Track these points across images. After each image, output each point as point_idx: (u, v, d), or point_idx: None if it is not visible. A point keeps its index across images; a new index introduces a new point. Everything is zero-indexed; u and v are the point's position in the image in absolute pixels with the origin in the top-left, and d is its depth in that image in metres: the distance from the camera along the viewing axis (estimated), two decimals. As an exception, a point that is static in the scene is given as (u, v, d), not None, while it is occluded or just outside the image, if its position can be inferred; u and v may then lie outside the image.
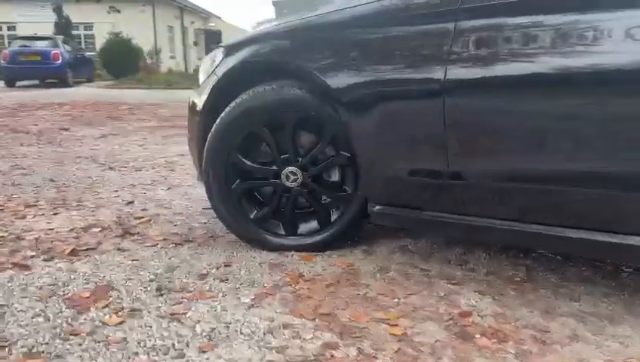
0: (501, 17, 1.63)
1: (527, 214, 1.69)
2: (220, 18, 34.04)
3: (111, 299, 1.83)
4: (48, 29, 19.88)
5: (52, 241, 2.41)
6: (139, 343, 1.52)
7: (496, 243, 2.24)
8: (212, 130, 2.14)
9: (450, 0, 1.71)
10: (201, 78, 2.46)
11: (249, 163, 2.17)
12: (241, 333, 1.60)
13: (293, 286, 1.94)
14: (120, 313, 1.73)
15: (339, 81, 1.91)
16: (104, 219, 2.74)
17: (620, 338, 1.60)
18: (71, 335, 1.57)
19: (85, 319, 1.69)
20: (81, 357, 1.46)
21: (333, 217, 2.21)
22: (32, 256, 2.22)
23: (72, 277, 2.00)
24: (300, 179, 2.14)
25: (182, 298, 1.84)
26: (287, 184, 2.15)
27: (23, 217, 2.77)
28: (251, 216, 2.23)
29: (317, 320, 1.69)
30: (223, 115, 2.12)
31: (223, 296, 1.85)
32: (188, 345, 1.52)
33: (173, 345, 1.52)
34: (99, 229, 2.58)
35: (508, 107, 1.64)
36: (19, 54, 15.59)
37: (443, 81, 1.69)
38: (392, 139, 1.85)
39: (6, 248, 2.29)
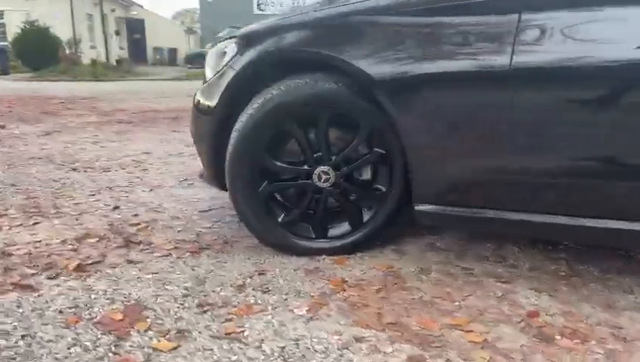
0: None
1: (597, 210, 1.66)
2: (141, 7, 32.70)
3: (149, 320, 1.64)
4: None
5: (47, 256, 2.15)
6: (211, 371, 1.36)
7: (554, 239, 2.19)
8: (237, 129, 1.97)
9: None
10: (209, 73, 2.27)
11: (279, 163, 2.02)
12: (315, 351, 1.48)
13: (341, 293, 1.82)
14: (167, 336, 1.56)
15: (386, 73, 1.80)
16: (95, 228, 2.49)
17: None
18: (128, 367, 1.38)
19: (132, 346, 1.50)
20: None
21: (366, 217, 2.10)
22: (33, 275, 1.97)
23: (92, 296, 1.78)
24: (332, 179, 2.02)
25: (229, 314, 1.68)
26: (319, 184, 2.02)
27: (-1, 229, 2.47)
28: (279, 220, 2.08)
29: (387, 330, 1.59)
30: (251, 112, 1.96)
31: (273, 309, 1.71)
32: (267, 369, 1.38)
33: (250, 370, 1.37)
34: (95, 239, 2.34)
35: (578, 97, 1.59)
36: None
37: (508, 70, 1.62)
38: (450, 134, 1.76)
39: (-3, 266, 2.02)
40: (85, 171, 3.70)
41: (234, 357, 1.44)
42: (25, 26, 18.37)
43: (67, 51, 19.44)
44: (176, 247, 2.25)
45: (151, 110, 7.51)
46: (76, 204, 2.90)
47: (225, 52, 2.19)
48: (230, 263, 2.07)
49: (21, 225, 2.54)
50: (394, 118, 1.81)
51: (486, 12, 1.68)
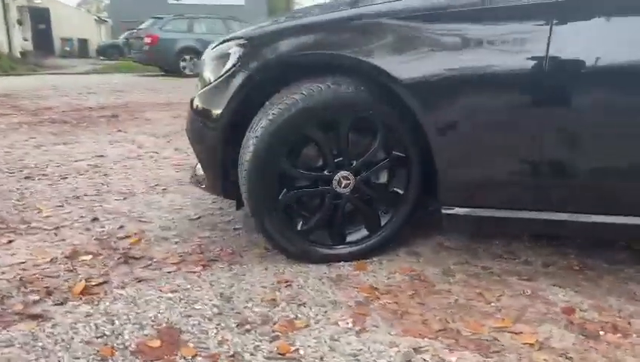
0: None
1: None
2: (46, -5, 30.63)
3: (191, 344, 1.54)
4: None
5: (42, 279, 1.97)
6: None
7: (587, 237, 2.25)
8: (257, 135, 1.89)
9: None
10: (209, 76, 2.15)
11: (300, 170, 1.96)
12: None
13: (377, 301, 1.80)
14: (219, 361, 1.47)
15: (416, 75, 1.79)
16: (81, 243, 2.31)
17: None
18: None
19: (186, 376, 1.40)
20: None
21: (383, 221, 2.08)
22: (37, 302, 1.80)
23: (116, 322, 1.66)
24: (352, 184, 1.98)
25: (273, 331, 1.62)
26: (339, 190, 1.98)
27: (-29, 250, 2.24)
28: (298, 228, 2.02)
29: (440, 337, 1.59)
30: (272, 117, 1.88)
31: (316, 323, 1.66)
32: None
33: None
34: (89, 257, 2.17)
35: (616, 97, 1.65)
36: None
37: (543, 71, 1.65)
38: (481, 136, 1.77)
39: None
40: (41, 179, 3.43)
41: (303, 380, 1.38)
42: None
43: (-35, 42, 17.88)
44: (182, 261, 2.13)
45: (83, 108, 7.08)
46: (46, 217, 2.68)
47: (229, 54, 2.09)
48: (249, 275, 1.99)
49: (-6, 244, 2.31)
50: (422, 120, 1.80)
51: (520, 15, 1.70)
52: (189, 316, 1.70)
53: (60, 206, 2.85)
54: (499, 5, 1.73)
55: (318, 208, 2.03)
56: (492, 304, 1.79)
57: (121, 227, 2.53)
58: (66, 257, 2.17)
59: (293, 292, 1.85)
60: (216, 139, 2.07)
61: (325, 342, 1.56)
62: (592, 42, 1.64)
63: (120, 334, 1.59)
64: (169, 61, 13.08)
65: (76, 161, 3.92)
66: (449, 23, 1.77)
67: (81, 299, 1.82)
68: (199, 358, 1.48)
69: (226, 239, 2.37)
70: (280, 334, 1.60)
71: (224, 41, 2.19)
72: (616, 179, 1.73)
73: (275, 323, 1.66)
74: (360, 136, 2.00)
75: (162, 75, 13.65)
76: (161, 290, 1.87)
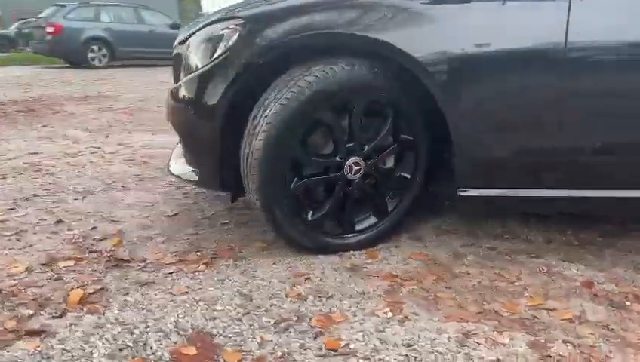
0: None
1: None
2: None
3: (229, 348, 1.42)
4: None
5: (24, 290, 1.75)
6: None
7: (602, 213, 2.29)
8: (269, 121, 1.77)
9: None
10: (196, 62, 2.00)
11: (314, 157, 1.87)
12: (440, 353, 1.40)
13: (403, 288, 1.76)
14: (269, 364, 1.36)
15: (435, 56, 1.74)
16: (54, 249, 2.09)
17: None
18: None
19: (240, 383, 1.28)
20: None
21: (390, 207, 2.04)
22: (31, 316, 1.59)
23: (136, 331, 1.50)
24: (362, 170, 1.92)
25: (312, 327, 1.53)
26: (350, 176, 1.91)
27: None
28: (309, 219, 1.93)
29: (482, 320, 1.57)
30: (284, 102, 1.76)
31: (354, 316, 1.59)
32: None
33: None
34: (71, 263, 1.96)
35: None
36: None
37: (563, 50, 1.67)
38: (502, 117, 1.77)
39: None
40: (-25, 180, 3.06)
41: (369, 375, 1.30)
42: None
43: None
44: (180, 260, 1.97)
45: (-9, 103, 6.45)
46: (1, 221, 2.39)
47: (221, 35, 1.94)
48: (259, 271, 1.88)
49: (-50, 254, 2.02)
50: (441, 101, 1.76)
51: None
52: (214, 318, 1.57)
53: (11, 208, 2.56)
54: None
55: (327, 197, 1.93)
56: (515, 283, 1.79)
57: (94, 228, 2.30)
58: (43, 264, 1.94)
59: (315, 286, 1.76)
60: (214, 130, 1.92)
61: (371, 334, 1.49)
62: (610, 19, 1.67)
63: (145, 344, 1.44)
64: (74, 52, 12.23)
65: (9, 160, 3.54)
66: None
67: (81, 309, 1.62)
68: (246, 363, 1.36)
69: (216, 235, 2.22)
70: (321, 330, 1.51)
71: (211, 23, 2.04)
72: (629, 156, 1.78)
73: (311, 319, 1.56)
74: (368, 119, 1.93)
75: (68, 67, 12.74)
76: (170, 293, 1.72)
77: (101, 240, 2.18)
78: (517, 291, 1.74)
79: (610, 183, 1.80)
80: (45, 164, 3.44)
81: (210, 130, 1.94)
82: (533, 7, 1.72)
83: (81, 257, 2.00)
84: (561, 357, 1.38)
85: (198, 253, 2.03)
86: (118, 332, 1.49)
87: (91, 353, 1.40)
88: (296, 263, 1.93)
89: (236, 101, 1.89)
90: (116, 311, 1.60)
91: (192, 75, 1.99)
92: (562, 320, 1.57)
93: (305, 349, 1.42)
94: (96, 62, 12.32)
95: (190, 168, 2.13)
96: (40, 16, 13.13)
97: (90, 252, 2.05)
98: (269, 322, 1.55)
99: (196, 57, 2.03)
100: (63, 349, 1.42)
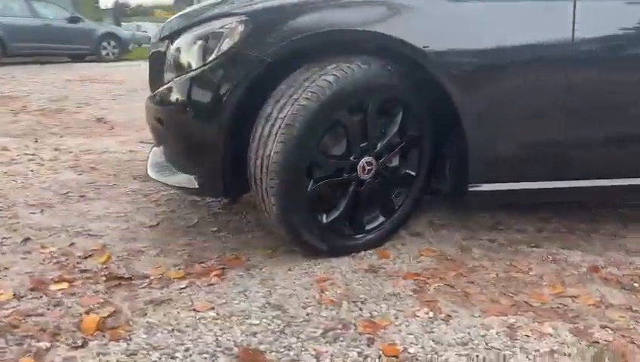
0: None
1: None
2: None
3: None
4: None
5: (22, 320, 1.57)
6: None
7: (604, 200, 2.42)
8: (288, 123, 1.70)
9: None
10: (192, 61, 1.89)
11: (332, 159, 1.82)
12: (497, 349, 1.42)
13: (430, 286, 1.77)
14: (337, 377, 1.31)
15: (451, 53, 1.76)
16: (34, 271, 1.89)
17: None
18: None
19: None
20: None
21: (396, 205, 2.05)
22: (47, 349, 1.43)
23: (178, 355, 1.39)
24: (374, 169, 1.91)
25: (359, 334, 1.50)
26: (363, 176, 1.89)
27: None
28: (324, 221, 1.89)
29: (520, 312, 1.62)
30: (304, 102, 1.70)
31: (396, 318, 1.58)
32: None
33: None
34: (65, 285, 1.78)
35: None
36: None
37: (571, 46, 1.75)
38: (518, 114, 1.82)
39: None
40: None
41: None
42: None
43: None
44: (187, 274, 1.85)
45: None
46: (-46, 243, 2.12)
47: (220, 33, 1.84)
48: (278, 279, 1.81)
49: None
50: (455, 98, 1.79)
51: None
52: (255, 333, 1.49)
53: (-39, 227, 2.27)
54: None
55: (339, 198, 1.89)
56: (530, 273, 1.86)
57: (72, 244, 2.11)
58: (32, 289, 1.74)
59: (343, 291, 1.72)
60: (218, 133, 1.82)
61: (422, 335, 1.48)
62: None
63: (195, 370, 1.33)
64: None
65: None
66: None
67: (103, 336, 1.47)
68: (313, 378, 1.30)
69: (213, 244, 2.11)
70: (371, 336, 1.47)
71: (206, 19, 1.92)
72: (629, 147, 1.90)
73: (356, 325, 1.52)
74: (378, 118, 1.91)
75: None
76: (194, 310, 1.61)
77: (86, 257, 1.99)
78: (534, 281, 1.80)
79: (612, 173, 1.91)
80: (-19, 175, 3.09)
81: (214, 134, 1.84)
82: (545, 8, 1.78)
83: (72, 278, 1.82)
84: (608, 342, 1.44)
85: (203, 265, 1.91)
86: (159, 359, 1.36)
87: (139, 385, 1.27)
88: (312, 268, 1.87)
89: (241, 101, 1.80)
90: (144, 336, 1.47)
91: (189, 74, 1.87)
92: (589, 306, 1.64)
93: (365, 358, 1.38)
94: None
95: (185, 175, 2.00)
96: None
97: (81, 271, 1.87)
98: (315, 332, 1.49)
99: (190, 56, 1.91)
100: (104, 384, 1.27)
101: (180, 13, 2.18)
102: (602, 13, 1.79)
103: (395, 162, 2.01)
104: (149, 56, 2.25)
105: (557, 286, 1.76)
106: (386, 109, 1.88)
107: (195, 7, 2.19)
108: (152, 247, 2.07)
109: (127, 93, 6.90)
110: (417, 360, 1.37)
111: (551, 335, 1.48)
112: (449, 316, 1.57)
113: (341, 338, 1.46)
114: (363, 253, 1.99)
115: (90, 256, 2.00)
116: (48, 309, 1.61)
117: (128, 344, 1.43)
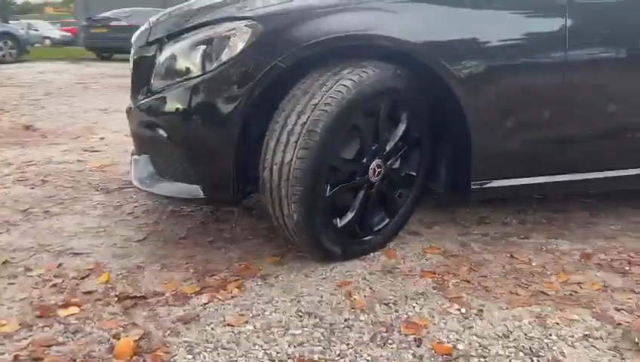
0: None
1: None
2: None
3: (349, 372, 1.36)
4: None
5: (46, 351, 1.45)
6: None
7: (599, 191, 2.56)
8: (310, 129, 1.69)
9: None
10: (194, 67, 1.83)
11: (348, 163, 1.83)
12: (537, 338, 1.51)
13: (449, 283, 1.83)
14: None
15: (460, 58, 1.83)
16: (29, 296, 1.75)
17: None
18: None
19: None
20: None
21: (399, 206, 2.10)
22: (89, 380, 1.33)
23: (235, 374, 1.35)
24: (383, 171, 1.94)
25: (406, 336, 1.52)
26: (373, 179, 1.93)
27: None
28: (339, 225, 1.89)
29: (539, 302, 1.70)
30: (325, 107, 1.69)
31: (432, 317, 1.62)
32: None
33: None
34: (75, 310, 1.66)
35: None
36: None
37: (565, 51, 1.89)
38: (521, 112, 1.92)
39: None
40: None
41: (505, 371, 1.35)
42: None
43: None
44: (204, 287, 1.79)
45: None
46: None
47: (227, 37, 1.80)
48: (299, 286, 1.80)
49: None
50: (462, 99, 1.86)
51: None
52: (301, 343, 1.47)
53: None
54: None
55: (352, 201, 1.91)
56: (532, 264, 1.97)
57: (60, 265, 1.96)
58: (40, 317, 1.61)
59: (369, 293, 1.74)
60: (228, 140, 1.77)
61: (463, 331, 1.53)
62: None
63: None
64: None
65: None
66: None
67: (143, 360, 1.39)
68: (380, 383, 1.31)
69: (213, 255, 2.05)
70: (417, 336, 1.50)
71: (205, 24, 1.86)
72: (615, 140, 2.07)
73: (398, 327, 1.55)
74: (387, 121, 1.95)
75: None
76: (229, 325, 1.56)
77: (82, 277, 1.86)
78: (539, 271, 1.91)
79: (608, 165, 2.07)
80: None
81: (224, 141, 1.79)
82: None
83: (78, 301, 1.70)
84: (629, 323, 1.56)
85: (216, 277, 1.85)
86: (216, 382, 1.31)
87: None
88: (329, 273, 1.88)
89: (252, 107, 1.76)
90: (188, 356, 1.41)
91: (194, 80, 1.81)
92: (596, 291, 1.77)
93: (420, 358, 1.40)
94: None
95: (186, 185, 1.92)
96: None
97: (85, 293, 1.75)
98: (362, 337, 1.49)
99: (189, 62, 1.84)
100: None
101: (165, 16, 2.08)
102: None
103: (397, 163, 2.04)
104: (133, 60, 2.13)
105: (561, 275, 1.87)
106: (394, 112, 1.91)
107: (180, 8, 2.09)
108: (151, 263, 1.97)
109: (45, 97, 6.47)
110: (470, 355, 1.41)
111: (577, 321, 1.58)
112: (480, 310, 1.63)
113: (390, 341, 1.47)
114: (372, 254, 2.01)
115: (86, 276, 1.87)
116: (68, 337, 1.50)
117: (176, 367, 1.35)
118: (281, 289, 1.76)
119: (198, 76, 1.80)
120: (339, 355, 1.41)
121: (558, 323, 1.56)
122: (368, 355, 1.41)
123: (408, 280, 1.82)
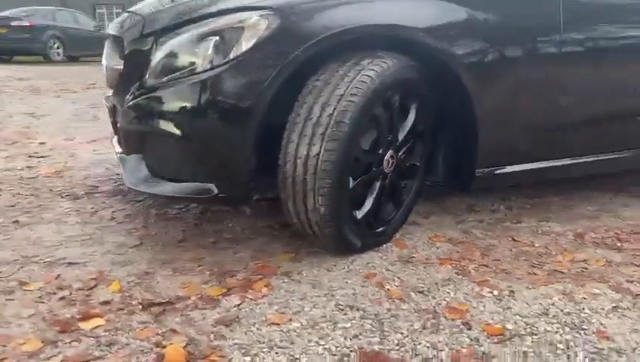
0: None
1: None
2: None
3: (415, 360, 1.37)
4: None
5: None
6: None
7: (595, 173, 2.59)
8: (338, 120, 1.67)
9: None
10: (204, 61, 1.74)
11: (369, 155, 1.83)
12: (573, 313, 1.58)
13: (468, 268, 1.87)
14: (470, 362, 1.36)
15: (471, 50, 1.89)
16: (42, 312, 1.60)
17: None
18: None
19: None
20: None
21: (404, 196, 2.12)
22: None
23: (304, 372, 1.31)
24: (395, 162, 1.97)
25: (452, 319, 1.55)
26: (387, 170, 1.94)
27: None
28: (358, 217, 1.89)
29: (559, 280, 1.79)
30: (351, 98, 1.67)
31: (468, 301, 1.66)
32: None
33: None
34: (101, 321, 1.54)
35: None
36: None
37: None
38: (527, 102, 2.01)
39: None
40: None
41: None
42: None
43: None
44: (229, 288, 1.72)
45: None
46: None
47: (241, 28, 1.74)
48: (327, 280, 1.77)
49: None
50: (471, 92, 1.91)
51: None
52: (355, 335, 1.46)
53: None
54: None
55: (369, 192, 1.91)
56: (535, 245, 2.06)
57: (58, 277, 1.81)
58: (62, 332, 1.48)
59: (400, 283, 1.75)
60: (247, 136, 1.72)
61: (502, 312, 1.58)
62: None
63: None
64: None
65: None
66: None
67: (198, 369, 1.31)
68: None
69: (223, 256, 1.97)
70: (464, 320, 1.53)
71: (212, 15, 1.79)
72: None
73: (443, 314, 1.57)
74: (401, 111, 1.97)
75: None
76: (274, 323, 1.51)
77: (90, 288, 1.73)
78: (544, 252, 2.00)
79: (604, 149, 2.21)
80: None
81: (242, 136, 1.72)
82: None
83: (98, 312, 1.57)
84: (646, 293, 1.68)
85: (237, 278, 1.78)
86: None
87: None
88: (350, 266, 1.86)
89: (276, 101, 1.72)
90: (245, 358, 1.36)
91: (206, 74, 1.72)
92: (603, 266, 1.89)
93: (477, 340, 1.43)
94: None
95: (195, 183, 1.83)
96: None
97: (102, 304, 1.62)
98: (412, 325, 1.50)
99: (196, 55, 1.75)
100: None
101: (159, 6, 1.97)
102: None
103: (405, 154, 2.06)
104: (124, 54, 2.00)
105: (566, 254, 1.97)
106: (405, 103, 1.92)
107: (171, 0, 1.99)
108: (160, 268, 1.86)
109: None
110: (521, 334, 1.45)
111: (600, 294, 1.67)
112: (511, 291, 1.68)
113: (441, 327, 1.49)
114: (383, 246, 2.02)
115: (94, 286, 1.73)
116: (103, 351, 1.38)
117: (237, 372, 1.29)
118: (309, 284, 1.72)
119: (211, 69, 1.72)
120: (397, 344, 1.40)
121: (585, 298, 1.64)
122: (427, 342, 1.41)
123: (430, 268, 1.84)
